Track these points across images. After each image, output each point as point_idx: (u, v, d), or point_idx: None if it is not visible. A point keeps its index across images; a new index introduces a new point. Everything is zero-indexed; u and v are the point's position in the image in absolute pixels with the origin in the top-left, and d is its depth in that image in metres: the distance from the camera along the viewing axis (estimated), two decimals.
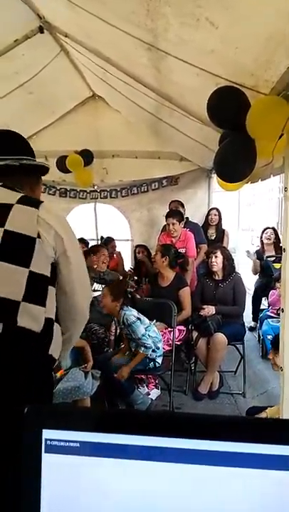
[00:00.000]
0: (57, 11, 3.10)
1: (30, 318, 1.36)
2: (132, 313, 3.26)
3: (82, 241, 5.18)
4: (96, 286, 4.16)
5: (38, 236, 1.42)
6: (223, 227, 5.52)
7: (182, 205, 5.15)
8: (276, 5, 1.66)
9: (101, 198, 6.09)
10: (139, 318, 3.27)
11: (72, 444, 0.56)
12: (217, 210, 5.49)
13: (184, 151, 5.33)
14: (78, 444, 0.56)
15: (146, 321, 3.36)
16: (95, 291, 4.11)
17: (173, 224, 4.42)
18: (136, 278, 5.09)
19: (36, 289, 1.39)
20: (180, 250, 4.29)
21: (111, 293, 3.29)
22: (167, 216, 4.57)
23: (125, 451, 0.55)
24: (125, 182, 5.92)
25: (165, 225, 4.90)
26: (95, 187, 5.96)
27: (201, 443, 0.52)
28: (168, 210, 4.87)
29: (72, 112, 5.38)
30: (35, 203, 1.47)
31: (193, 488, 0.53)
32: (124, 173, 5.68)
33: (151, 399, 3.54)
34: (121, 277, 4.52)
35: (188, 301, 3.88)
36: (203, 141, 4.05)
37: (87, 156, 5.14)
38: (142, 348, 3.22)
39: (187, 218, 5.05)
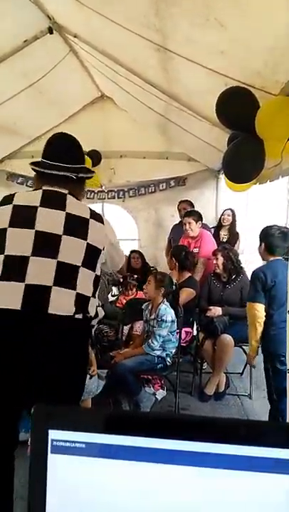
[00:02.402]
0: (66, 12, 3.11)
1: (93, 307, 1.77)
2: (170, 313, 3.30)
3: None
4: (115, 290, 4.16)
5: (103, 248, 1.83)
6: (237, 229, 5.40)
7: (191, 205, 5.09)
8: (285, 5, 1.65)
9: (108, 198, 6.10)
10: (173, 321, 3.31)
11: (78, 445, 0.56)
12: (231, 211, 5.31)
13: (192, 151, 5.32)
14: (84, 445, 0.56)
15: (175, 327, 3.37)
16: (113, 296, 4.12)
17: (189, 223, 4.35)
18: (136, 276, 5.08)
19: (96, 287, 1.80)
20: (194, 250, 4.25)
21: (155, 280, 3.36)
22: (184, 215, 4.50)
23: (132, 453, 0.54)
24: (133, 182, 5.92)
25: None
26: (103, 187, 5.97)
27: (209, 446, 0.52)
28: (186, 211, 4.77)
29: (81, 112, 5.39)
30: (101, 219, 1.85)
31: (200, 491, 0.53)
32: (131, 173, 5.68)
33: (157, 399, 3.53)
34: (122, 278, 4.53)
35: (182, 300, 3.78)
36: (212, 141, 4.04)
37: (95, 157, 5.16)
38: (146, 345, 3.24)
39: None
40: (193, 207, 5.05)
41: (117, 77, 3.84)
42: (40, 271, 1.64)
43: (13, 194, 1.78)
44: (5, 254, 1.63)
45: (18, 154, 5.56)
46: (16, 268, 1.62)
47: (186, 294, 3.80)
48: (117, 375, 3.14)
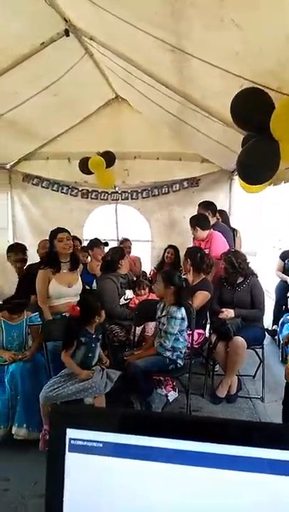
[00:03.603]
0: (82, 14, 3.14)
1: None
2: (180, 310, 3.31)
3: (101, 243, 5.17)
4: (129, 294, 4.16)
5: None
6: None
7: (210, 207, 4.97)
8: None
9: (122, 199, 6.12)
10: (183, 319, 3.31)
11: (95, 444, 0.57)
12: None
13: (206, 152, 5.31)
14: (101, 445, 0.56)
15: (185, 326, 3.37)
16: (126, 300, 4.12)
17: (194, 230, 4.39)
18: (149, 277, 5.07)
19: None
20: (205, 251, 4.23)
21: (163, 279, 3.38)
22: (190, 223, 4.50)
23: (147, 453, 0.55)
24: (146, 183, 5.93)
25: None
26: (116, 188, 6.00)
27: (226, 448, 0.52)
28: (192, 216, 4.75)
29: (96, 114, 5.43)
30: None
31: (217, 492, 0.53)
32: (145, 174, 5.70)
33: (168, 400, 3.53)
34: (135, 278, 4.54)
35: (197, 303, 3.77)
36: (226, 142, 4.02)
37: (109, 158, 5.18)
38: (158, 345, 3.24)
39: (217, 220, 4.95)
40: (213, 208, 4.95)
41: (132, 79, 3.85)
42: None
43: None
44: None
45: (34, 155, 5.62)
46: None
47: (202, 297, 3.80)
48: (130, 375, 3.15)
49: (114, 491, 0.56)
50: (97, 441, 0.56)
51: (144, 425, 0.55)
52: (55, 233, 3.60)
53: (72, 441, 0.57)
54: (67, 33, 3.37)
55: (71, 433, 0.57)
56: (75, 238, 4.45)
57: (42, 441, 2.83)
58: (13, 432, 2.92)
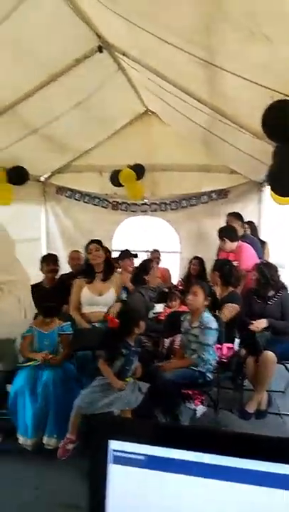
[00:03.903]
0: (115, 30, 3.22)
1: None
2: (214, 320, 3.29)
3: (130, 254, 5.22)
4: (158, 308, 4.17)
5: None
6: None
7: (239, 218, 4.98)
8: None
9: (151, 210, 6.17)
10: (217, 329, 3.29)
11: (138, 457, 0.57)
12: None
13: (235, 164, 5.29)
14: (144, 458, 0.56)
15: (216, 338, 3.34)
16: (155, 313, 4.13)
17: (223, 242, 4.37)
18: (179, 289, 5.05)
19: None
20: (234, 263, 4.20)
21: (204, 292, 3.36)
22: (218, 235, 4.49)
23: (191, 468, 0.54)
24: (175, 195, 5.96)
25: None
26: (146, 200, 6.05)
27: (275, 466, 0.52)
28: (221, 227, 4.74)
29: (126, 128, 5.53)
30: None
31: (257, 509, 0.53)
32: (174, 186, 5.73)
33: (196, 414, 3.48)
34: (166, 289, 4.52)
35: (226, 316, 3.73)
36: (255, 154, 4.00)
37: (139, 170, 5.26)
38: (196, 357, 3.20)
39: (245, 231, 4.92)
40: (242, 219, 4.95)
41: (163, 93, 3.91)
42: None
43: None
44: None
45: (67, 168, 5.77)
46: None
47: (230, 310, 3.75)
48: (159, 387, 3.13)
49: (156, 505, 0.56)
50: (141, 454, 0.56)
51: (189, 440, 0.55)
52: (87, 245, 3.72)
53: (115, 453, 0.57)
54: (100, 49, 3.47)
55: (114, 445, 0.57)
56: (128, 253, 4.53)
57: (62, 450, 2.85)
58: (44, 442, 2.95)
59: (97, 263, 3.68)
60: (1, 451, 3.05)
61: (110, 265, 3.97)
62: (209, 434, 0.57)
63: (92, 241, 3.79)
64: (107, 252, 4.40)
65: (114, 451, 0.58)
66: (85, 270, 3.78)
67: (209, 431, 0.57)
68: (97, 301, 3.60)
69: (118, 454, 0.58)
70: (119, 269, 4.93)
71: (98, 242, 3.79)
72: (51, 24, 2.92)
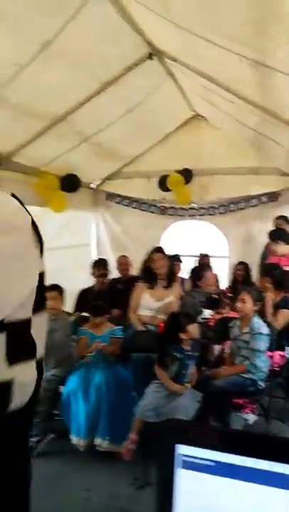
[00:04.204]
0: (165, 36, 3.25)
1: None
2: (264, 325, 3.25)
3: (179, 259, 5.20)
4: (206, 313, 4.15)
5: None
6: None
7: (288, 221, 4.88)
8: None
9: (199, 215, 6.12)
10: (268, 335, 3.23)
11: (207, 463, 0.56)
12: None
13: (287, 166, 5.13)
14: (214, 464, 0.56)
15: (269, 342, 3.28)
16: (203, 319, 4.11)
17: (277, 244, 4.26)
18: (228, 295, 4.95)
19: None
20: (286, 268, 4.08)
21: (252, 298, 3.32)
22: (269, 237, 4.39)
23: (263, 477, 0.53)
24: (224, 199, 5.88)
25: (268, 244, 4.73)
26: (194, 204, 6.02)
27: None
28: (272, 229, 4.64)
29: (175, 133, 5.54)
30: None
31: None
32: (223, 190, 5.65)
33: (247, 423, 3.40)
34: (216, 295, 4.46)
35: (280, 322, 3.63)
36: None
37: (187, 175, 5.25)
38: (247, 364, 3.13)
39: None
40: None
41: (212, 96, 3.89)
42: None
43: None
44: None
45: (116, 175, 5.88)
46: None
47: (284, 316, 3.64)
48: (209, 395, 3.10)
49: None
50: (210, 460, 0.56)
51: (261, 448, 0.54)
52: (151, 252, 3.78)
53: (183, 458, 0.57)
54: (150, 56, 3.52)
55: (183, 449, 0.57)
56: (173, 258, 4.56)
57: (126, 450, 2.87)
58: (96, 443, 3.00)
59: (159, 273, 3.76)
60: (54, 451, 3.13)
61: (173, 273, 4.04)
62: (283, 443, 0.55)
63: (156, 249, 3.87)
64: (170, 259, 4.44)
65: (183, 455, 0.58)
66: (145, 275, 3.84)
67: (284, 440, 0.56)
68: (156, 306, 3.66)
69: (187, 458, 0.58)
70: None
71: (161, 250, 3.86)
72: (104, 34, 3.00)
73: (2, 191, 1.18)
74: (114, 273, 5.21)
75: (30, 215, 1.18)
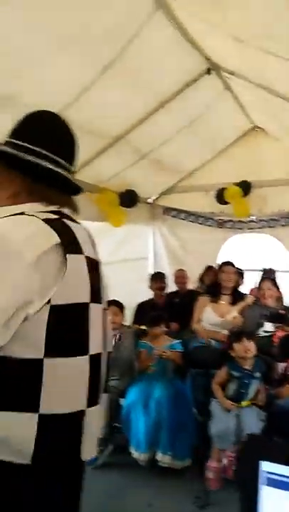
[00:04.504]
0: (224, 51, 3.25)
1: None
2: None
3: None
4: (268, 327, 4.03)
5: None
6: None
7: None
8: None
9: (259, 227, 5.96)
10: None
11: None
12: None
13: None
14: None
15: None
16: (266, 332, 3.99)
17: None
18: None
19: None
20: None
21: None
22: None
23: None
24: (284, 212, 5.69)
25: None
26: (253, 217, 5.88)
27: None
28: None
29: (232, 145, 5.49)
30: None
31: None
32: (283, 202, 5.47)
33: None
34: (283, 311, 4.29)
35: None
36: None
37: (245, 187, 5.16)
38: None
39: None
40: None
41: (271, 108, 3.82)
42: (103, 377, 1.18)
43: (52, 220, 1.04)
44: (90, 353, 1.05)
45: (173, 189, 5.92)
46: (99, 378, 1.11)
47: None
48: (274, 415, 2.97)
49: None
50: None
51: None
52: (222, 265, 3.77)
53: (268, 475, 0.55)
54: (208, 71, 3.54)
55: (268, 467, 0.56)
56: (239, 273, 4.50)
57: (213, 482, 2.78)
58: (157, 459, 2.98)
59: (228, 286, 3.71)
60: (115, 463, 3.15)
61: (240, 291, 3.98)
62: None
63: (227, 263, 3.85)
64: (240, 275, 4.38)
65: (268, 473, 0.56)
66: (210, 288, 3.82)
67: None
68: (217, 322, 3.60)
69: (272, 476, 0.56)
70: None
71: (232, 264, 3.83)
72: (162, 52, 3.07)
73: (30, 216, 1.01)
74: (171, 286, 5.21)
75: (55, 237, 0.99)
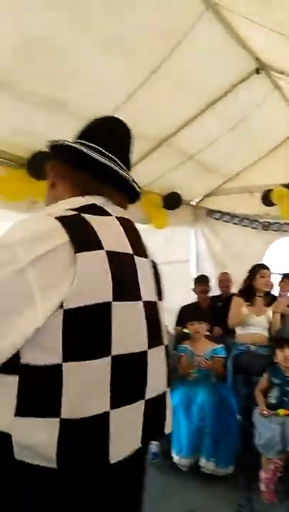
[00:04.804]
0: (274, 50, 3.17)
1: None
2: None
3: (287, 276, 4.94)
4: None
5: None
6: None
7: None
8: None
9: None
10: None
11: None
12: None
13: None
14: None
15: None
16: None
17: None
18: None
19: None
20: None
21: None
22: None
23: None
24: None
25: None
26: None
27: None
28: None
29: (280, 147, 5.33)
30: None
31: None
32: None
33: None
34: None
35: None
36: None
37: None
38: None
39: None
40: None
41: None
42: (158, 373, 1.15)
43: (72, 215, 1.02)
44: (112, 354, 0.99)
45: (217, 191, 5.84)
46: (132, 377, 1.05)
47: None
48: None
49: None
50: None
51: None
52: (257, 268, 3.73)
53: None
54: (257, 71, 3.46)
55: None
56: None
57: (268, 495, 2.72)
58: (201, 465, 2.94)
59: (265, 290, 3.70)
60: (158, 467, 3.13)
61: (273, 294, 4.03)
62: None
63: (263, 266, 3.82)
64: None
65: None
66: (244, 291, 3.77)
67: None
68: (254, 321, 3.55)
69: None
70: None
71: (268, 268, 3.80)
72: (211, 54, 3.03)
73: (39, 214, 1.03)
74: (213, 290, 5.13)
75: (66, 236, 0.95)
